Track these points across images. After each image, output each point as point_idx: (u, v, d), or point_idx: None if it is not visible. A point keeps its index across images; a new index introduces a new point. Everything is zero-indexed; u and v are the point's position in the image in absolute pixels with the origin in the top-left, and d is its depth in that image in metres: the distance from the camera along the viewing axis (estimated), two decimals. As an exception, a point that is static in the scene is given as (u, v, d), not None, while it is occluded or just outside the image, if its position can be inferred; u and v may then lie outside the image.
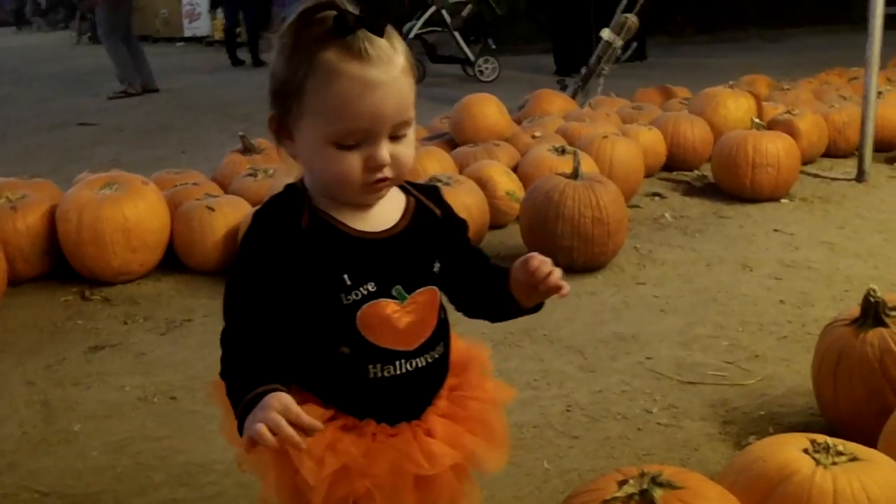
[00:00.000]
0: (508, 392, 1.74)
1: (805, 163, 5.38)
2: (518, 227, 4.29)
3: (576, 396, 2.82)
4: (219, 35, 16.86)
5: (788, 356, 3.06)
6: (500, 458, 1.63)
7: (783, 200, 4.94)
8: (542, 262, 1.51)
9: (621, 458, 2.48)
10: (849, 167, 5.57)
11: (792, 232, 4.41)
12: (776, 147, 4.81)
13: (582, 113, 6.01)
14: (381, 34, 1.39)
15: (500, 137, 5.32)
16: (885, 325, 2.30)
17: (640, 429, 2.64)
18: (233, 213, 4.08)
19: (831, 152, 5.91)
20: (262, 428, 1.27)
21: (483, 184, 4.50)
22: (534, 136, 5.32)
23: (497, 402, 1.69)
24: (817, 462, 1.78)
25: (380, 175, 1.43)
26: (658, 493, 1.57)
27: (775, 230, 4.46)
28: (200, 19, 19.07)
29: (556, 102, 6.53)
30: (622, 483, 1.62)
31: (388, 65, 1.39)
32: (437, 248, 1.56)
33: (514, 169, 4.82)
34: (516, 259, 1.54)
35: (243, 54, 14.06)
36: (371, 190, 1.45)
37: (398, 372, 1.51)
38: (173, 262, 4.12)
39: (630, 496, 1.58)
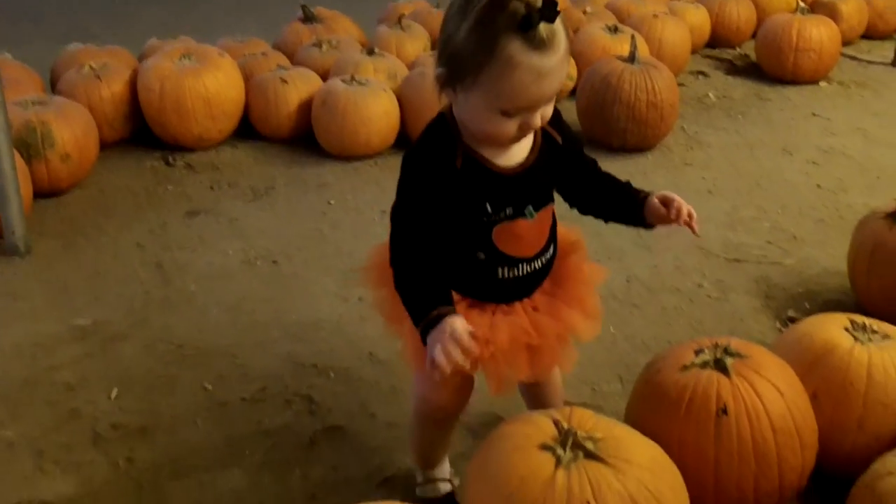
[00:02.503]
0: (601, 273, 2.07)
1: (843, 44, 5.55)
2: (570, 105, 4.56)
3: (634, 270, 3.16)
4: None
5: (824, 239, 3.38)
6: (593, 328, 1.98)
7: (821, 84, 5.17)
8: (686, 207, 1.87)
9: (677, 326, 2.84)
10: (886, 50, 5.75)
11: (829, 117, 4.66)
12: (819, 32, 5.02)
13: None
14: (554, 20, 1.58)
15: (552, 13, 5.48)
16: (918, 219, 2.61)
17: (693, 301, 2.98)
18: (305, 86, 4.34)
19: (870, 34, 6.08)
20: (440, 358, 1.60)
21: (537, 62, 4.71)
22: (584, 12, 5.49)
23: (591, 282, 2.02)
24: (855, 339, 2.11)
25: (528, 132, 1.72)
26: (729, 361, 1.92)
27: (814, 114, 4.71)
28: None
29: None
30: (698, 352, 1.97)
31: (558, 51, 1.59)
32: (558, 171, 1.88)
33: (566, 46, 5.02)
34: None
35: None
36: (517, 140, 1.74)
37: (521, 273, 1.85)
38: (247, 130, 4.40)
39: (705, 363, 1.93)
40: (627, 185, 1.96)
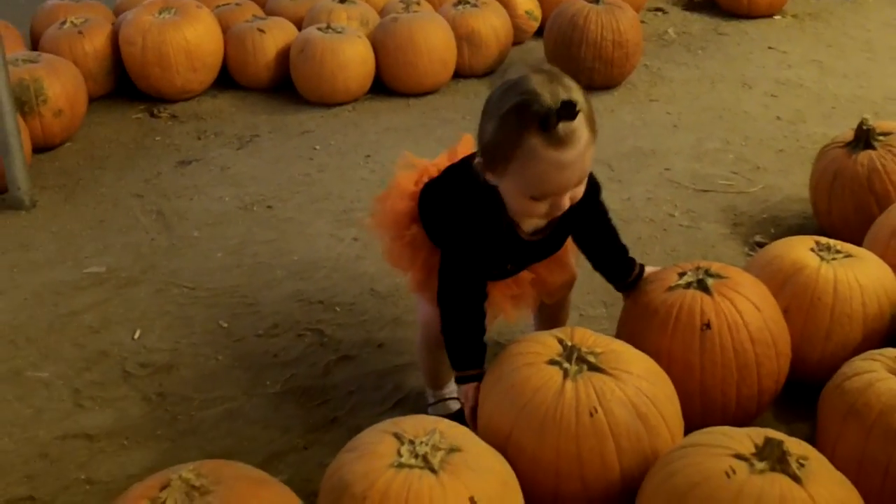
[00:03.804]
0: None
1: (796, -23, 5.76)
2: (535, 44, 4.79)
3: (609, 203, 3.30)
4: None
5: (785, 168, 3.61)
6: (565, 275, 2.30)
7: (776, 17, 5.38)
8: None
9: (653, 254, 3.05)
10: (837, -19, 5.96)
11: (785, 50, 4.88)
12: (773, -33, 5.21)
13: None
14: (573, 119, 1.76)
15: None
16: (873, 148, 2.84)
17: (666, 230, 3.20)
18: (282, 35, 4.47)
19: (821, -34, 6.26)
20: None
21: (504, 3, 4.85)
22: (546, -46, 5.61)
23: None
24: (821, 258, 2.34)
25: (558, 213, 1.92)
26: (710, 281, 2.14)
27: (770, 48, 4.92)
28: None
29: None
30: (681, 274, 2.18)
31: (577, 144, 1.79)
32: (573, 227, 2.14)
33: (530, -13, 5.17)
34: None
35: None
36: (550, 218, 1.97)
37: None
38: (226, 80, 4.52)
39: (689, 284, 2.15)
40: (624, 249, 2.28)
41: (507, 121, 1.80)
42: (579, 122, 1.79)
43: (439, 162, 2.26)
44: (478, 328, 2.01)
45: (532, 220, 1.99)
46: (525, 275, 2.19)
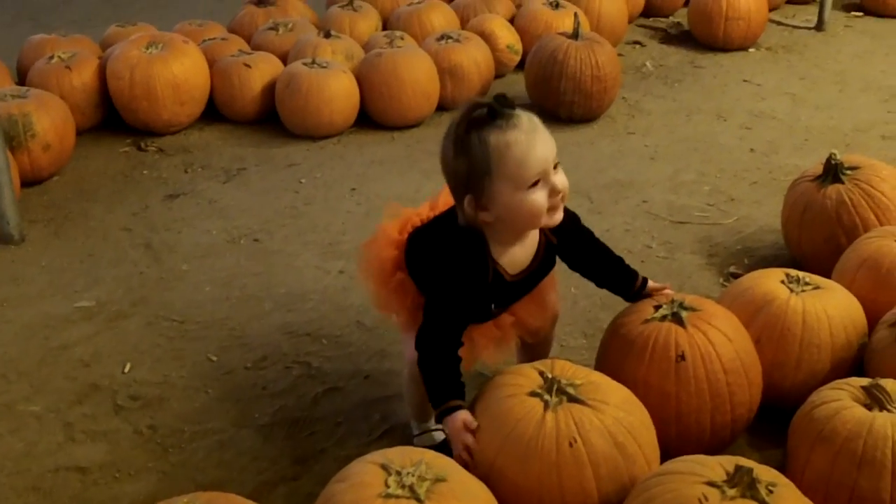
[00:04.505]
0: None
1: (770, 9, 5.88)
2: (517, 77, 4.90)
3: (589, 235, 3.45)
4: None
5: (759, 199, 3.71)
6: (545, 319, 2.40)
7: (751, 50, 5.51)
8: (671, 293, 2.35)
9: (631, 285, 3.13)
10: (809, 14, 6.11)
11: (759, 83, 5.01)
12: (747, 2, 5.36)
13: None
14: (513, 108, 1.97)
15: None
16: (841, 181, 2.94)
17: (644, 261, 3.29)
18: (268, 69, 4.56)
19: (794, -1, 6.44)
20: (463, 454, 1.98)
21: (486, 37, 4.97)
22: (526, -12, 5.74)
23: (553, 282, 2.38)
24: (791, 290, 2.43)
25: (558, 199, 2.03)
26: (684, 314, 2.22)
27: (745, 80, 5.05)
28: None
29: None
30: (657, 307, 2.27)
31: (532, 123, 1.98)
32: (551, 266, 2.25)
33: (511, 21, 5.29)
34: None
35: None
36: (553, 211, 2.05)
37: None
38: (213, 113, 4.60)
39: (664, 316, 2.23)
40: (621, 261, 2.38)
41: (467, 139, 1.98)
42: (523, 111, 1.99)
43: (422, 211, 2.37)
44: (455, 368, 2.11)
45: (542, 221, 2.05)
46: (506, 318, 2.28)
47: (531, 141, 1.96)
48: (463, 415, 2.01)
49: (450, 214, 2.20)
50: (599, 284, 2.41)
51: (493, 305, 2.19)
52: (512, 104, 1.98)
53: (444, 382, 2.08)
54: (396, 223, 2.33)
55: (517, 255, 2.15)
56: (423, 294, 2.22)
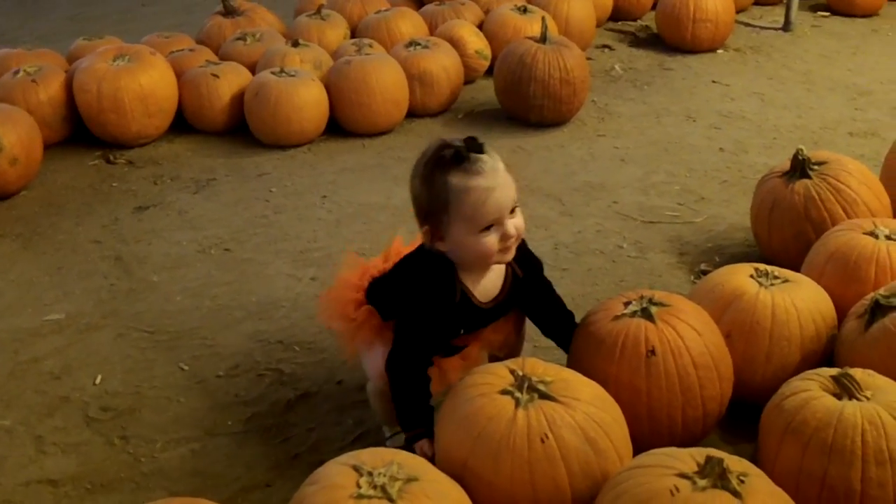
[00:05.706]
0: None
1: (737, 11, 5.93)
2: (486, 83, 4.91)
3: (560, 237, 3.46)
4: None
5: (728, 198, 3.74)
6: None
7: (719, 51, 5.55)
8: None
9: (602, 284, 3.15)
10: (776, 16, 6.16)
11: (728, 83, 5.04)
12: (715, 3, 5.40)
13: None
14: (482, 152, 2.04)
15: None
16: (809, 177, 2.96)
17: (615, 261, 3.30)
18: (236, 79, 4.55)
19: (761, 0, 6.47)
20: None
21: (454, 43, 4.97)
22: (494, -6, 5.75)
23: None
24: (760, 284, 2.44)
25: (509, 242, 2.09)
26: (654, 310, 2.23)
27: (713, 81, 5.08)
28: None
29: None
30: (627, 304, 2.27)
31: (495, 171, 2.04)
32: (521, 298, 2.30)
33: (479, 26, 5.30)
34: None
35: None
36: (504, 252, 2.11)
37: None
38: (182, 125, 4.58)
39: (634, 312, 2.24)
40: (571, 317, 2.43)
41: (431, 176, 2.07)
42: (489, 156, 2.05)
43: (377, 263, 2.43)
44: (425, 389, 2.16)
45: (493, 260, 2.12)
46: (473, 349, 2.32)
47: (490, 188, 2.02)
48: (426, 442, 2.09)
49: (414, 254, 2.28)
50: (546, 333, 2.47)
51: (461, 330, 2.23)
52: (480, 148, 2.04)
53: (413, 407, 2.14)
54: (355, 271, 2.40)
55: (487, 284, 2.21)
56: (386, 320, 2.27)
